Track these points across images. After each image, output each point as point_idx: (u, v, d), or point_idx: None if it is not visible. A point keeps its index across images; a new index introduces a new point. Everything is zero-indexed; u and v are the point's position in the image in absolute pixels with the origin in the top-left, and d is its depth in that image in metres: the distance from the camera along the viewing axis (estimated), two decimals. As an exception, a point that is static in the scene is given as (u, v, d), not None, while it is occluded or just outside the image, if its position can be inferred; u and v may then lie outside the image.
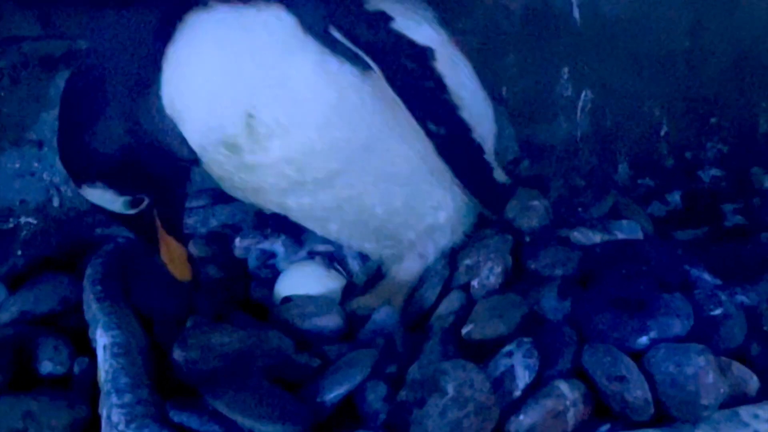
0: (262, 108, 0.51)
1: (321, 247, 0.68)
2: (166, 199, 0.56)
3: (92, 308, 0.58)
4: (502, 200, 0.66)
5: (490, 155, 0.61)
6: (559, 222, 0.72)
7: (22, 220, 0.77)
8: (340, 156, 0.54)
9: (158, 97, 0.51)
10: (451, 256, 0.65)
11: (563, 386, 0.47)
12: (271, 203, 0.58)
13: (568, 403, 0.46)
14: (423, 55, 0.53)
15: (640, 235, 0.67)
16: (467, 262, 0.63)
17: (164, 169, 0.54)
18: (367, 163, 0.55)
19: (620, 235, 0.66)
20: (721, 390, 0.46)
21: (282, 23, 0.51)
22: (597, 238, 0.66)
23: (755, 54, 1.02)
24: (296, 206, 0.57)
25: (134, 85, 0.51)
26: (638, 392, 0.46)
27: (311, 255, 0.67)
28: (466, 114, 0.56)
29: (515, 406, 0.47)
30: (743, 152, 1.04)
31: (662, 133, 1.01)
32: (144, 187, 0.54)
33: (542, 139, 0.97)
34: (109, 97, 0.51)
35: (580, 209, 0.75)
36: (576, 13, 0.94)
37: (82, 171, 0.53)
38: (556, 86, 0.96)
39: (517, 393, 0.47)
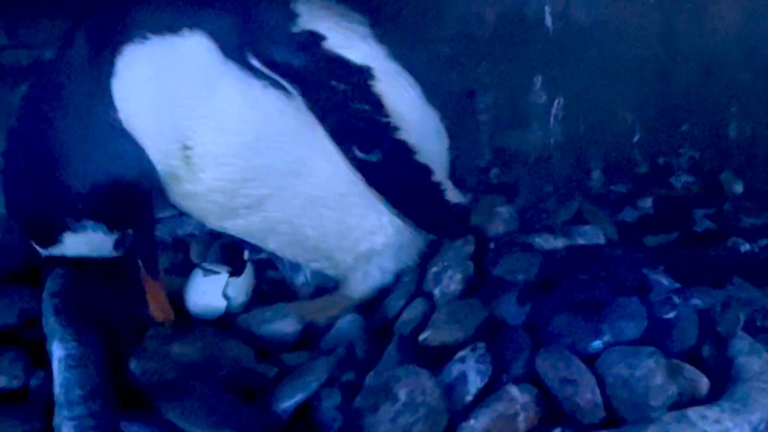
0: (196, 139, 0.51)
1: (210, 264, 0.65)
2: (145, 231, 0.55)
3: (50, 321, 0.57)
4: (457, 223, 0.63)
5: (440, 176, 0.59)
6: (525, 228, 0.72)
7: (-15, 232, 0.76)
8: (268, 181, 0.53)
9: (119, 126, 0.50)
10: (422, 264, 0.65)
11: (514, 390, 0.47)
12: (212, 225, 0.59)
13: (518, 407, 0.46)
14: (358, 74, 0.52)
15: (602, 240, 0.68)
16: (434, 269, 0.64)
17: (141, 198, 0.54)
18: (295, 188, 0.54)
19: (581, 241, 0.66)
20: (670, 392, 0.47)
21: (205, 50, 0.50)
22: (559, 243, 0.66)
23: (725, 61, 1.03)
24: (233, 228, 0.58)
25: (89, 117, 0.50)
26: (588, 395, 0.46)
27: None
28: (409, 135, 0.54)
29: (467, 411, 0.47)
30: (715, 158, 1.05)
31: (635, 139, 1.02)
32: (128, 219, 0.53)
33: (516, 147, 0.97)
34: (67, 131, 0.49)
35: (544, 215, 0.75)
36: (549, 22, 0.94)
37: (64, 215, 0.50)
38: (530, 94, 0.96)
39: (469, 398, 0.48)
